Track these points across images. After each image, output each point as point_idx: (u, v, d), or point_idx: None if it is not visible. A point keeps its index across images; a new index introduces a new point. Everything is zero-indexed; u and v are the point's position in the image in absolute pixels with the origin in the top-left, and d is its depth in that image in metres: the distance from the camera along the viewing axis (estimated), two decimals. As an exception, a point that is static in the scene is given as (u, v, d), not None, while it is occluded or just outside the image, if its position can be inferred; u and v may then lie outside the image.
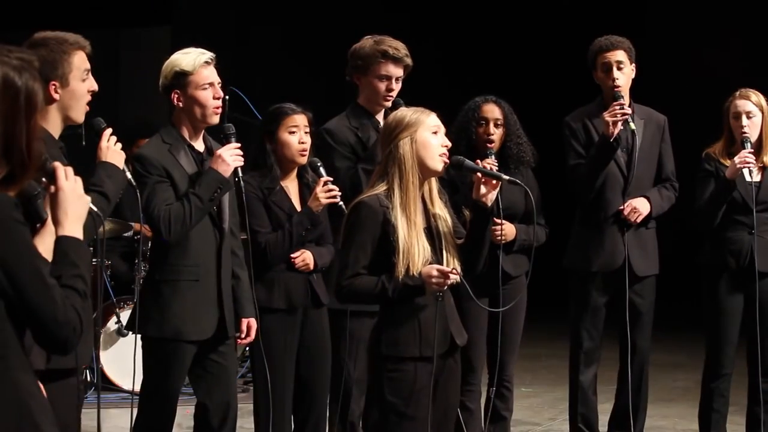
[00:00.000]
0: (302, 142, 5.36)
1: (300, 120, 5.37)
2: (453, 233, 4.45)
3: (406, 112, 4.42)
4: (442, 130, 4.43)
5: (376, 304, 4.45)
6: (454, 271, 4.28)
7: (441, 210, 4.44)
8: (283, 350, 5.34)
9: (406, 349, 4.32)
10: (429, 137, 4.36)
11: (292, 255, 5.35)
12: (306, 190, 5.42)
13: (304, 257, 5.37)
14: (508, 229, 5.88)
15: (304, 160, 5.39)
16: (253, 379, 5.45)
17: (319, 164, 5.40)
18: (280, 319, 5.34)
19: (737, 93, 6.11)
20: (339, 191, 5.28)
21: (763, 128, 6.08)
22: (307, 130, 5.38)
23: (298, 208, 5.39)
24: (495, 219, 5.70)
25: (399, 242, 4.26)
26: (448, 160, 4.41)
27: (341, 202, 5.24)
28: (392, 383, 4.32)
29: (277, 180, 5.38)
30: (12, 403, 2.84)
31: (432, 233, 4.38)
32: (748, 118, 6.05)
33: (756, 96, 6.07)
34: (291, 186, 5.44)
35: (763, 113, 6.07)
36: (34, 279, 2.80)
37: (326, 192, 5.28)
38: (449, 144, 4.43)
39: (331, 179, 5.33)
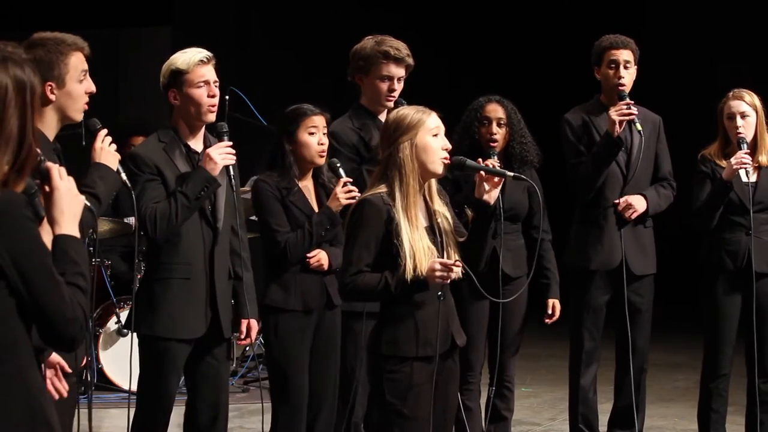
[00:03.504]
0: (321, 143, 5.36)
1: (319, 121, 5.37)
2: (454, 231, 4.44)
3: (407, 112, 4.38)
4: (443, 130, 4.41)
5: (378, 301, 4.44)
6: (457, 263, 4.27)
7: (441, 207, 4.43)
8: (299, 351, 5.34)
9: (406, 348, 4.31)
10: (429, 141, 4.34)
11: (307, 255, 5.35)
12: (321, 190, 5.43)
13: (319, 257, 5.36)
14: None
15: (322, 161, 5.39)
16: (270, 380, 5.43)
17: (338, 164, 5.40)
18: (295, 320, 5.34)
19: (730, 94, 6.10)
20: (358, 192, 5.25)
21: (757, 128, 6.08)
22: (325, 131, 5.39)
23: (315, 208, 5.39)
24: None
25: (404, 244, 4.25)
26: (449, 162, 4.40)
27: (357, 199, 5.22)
28: (392, 383, 4.31)
29: (294, 180, 5.38)
30: (25, 401, 2.86)
31: (434, 231, 4.38)
32: (743, 118, 6.04)
33: (749, 96, 6.07)
34: (307, 186, 5.44)
35: (757, 113, 6.07)
36: (45, 277, 2.82)
37: (346, 192, 5.27)
38: (449, 146, 4.41)
39: (351, 180, 5.32)
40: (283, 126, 5.41)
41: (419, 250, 4.26)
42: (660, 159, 6.23)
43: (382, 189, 4.33)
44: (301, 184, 5.41)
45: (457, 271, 4.29)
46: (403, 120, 4.35)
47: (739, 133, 6.03)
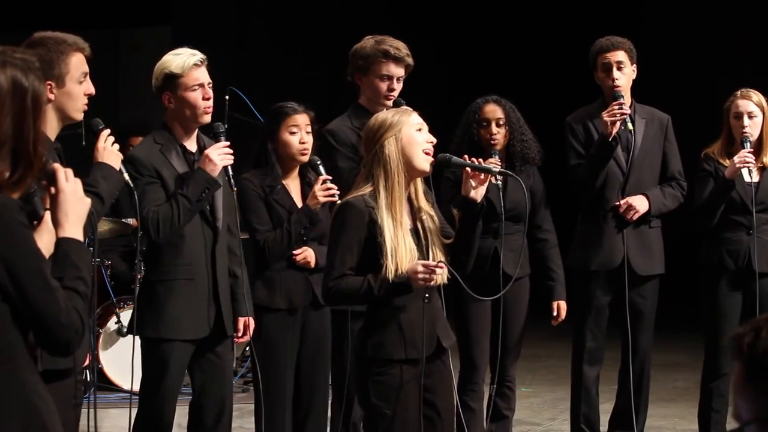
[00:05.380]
0: (303, 142, 5.37)
1: (301, 119, 5.38)
2: (440, 232, 4.42)
3: (387, 114, 4.39)
4: (426, 127, 4.40)
5: (362, 304, 4.42)
6: (440, 264, 4.24)
7: (427, 209, 4.41)
8: (283, 350, 5.35)
9: (392, 351, 4.29)
10: (414, 134, 4.33)
11: (293, 252, 5.35)
12: (307, 188, 5.43)
13: (306, 254, 5.37)
14: None
15: (305, 159, 5.40)
16: (253, 379, 5.45)
17: (318, 162, 5.40)
18: (280, 319, 5.35)
19: (738, 93, 6.10)
20: (338, 190, 5.27)
21: (763, 128, 6.07)
22: (309, 129, 5.39)
23: (300, 206, 5.39)
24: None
25: (386, 243, 4.23)
26: (432, 157, 4.38)
27: (339, 201, 5.23)
28: (378, 386, 4.29)
29: (278, 178, 5.39)
30: (21, 404, 2.85)
31: (418, 233, 4.35)
32: (750, 118, 6.04)
33: (757, 96, 6.07)
34: (292, 185, 5.45)
35: (763, 113, 6.06)
36: (39, 283, 2.81)
37: (325, 190, 5.28)
38: (434, 140, 4.40)
39: (330, 178, 5.33)
40: (266, 125, 5.43)
41: (401, 250, 4.24)
42: (668, 158, 6.21)
43: (367, 190, 4.32)
44: (286, 183, 5.42)
45: (442, 273, 4.25)
46: (385, 120, 4.35)
47: (745, 132, 6.02)
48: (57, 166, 3.00)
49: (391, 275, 4.21)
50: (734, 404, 2.25)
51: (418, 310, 4.32)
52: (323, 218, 5.38)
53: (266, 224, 5.35)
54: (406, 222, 4.32)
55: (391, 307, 4.30)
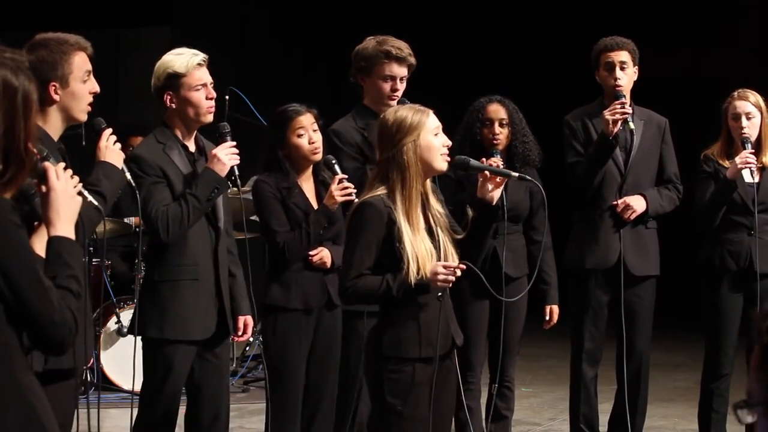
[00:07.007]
0: (312, 142, 5.35)
1: (306, 120, 5.36)
2: (450, 229, 4.43)
3: (405, 113, 4.35)
4: (441, 128, 4.41)
5: (380, 303, 4.42)
6: (461, 266, 4.25)
7: (436, 206, 4.42)
8: (297, 350, 5.34)
9: (408, 349, 4.30)
10: (432, 140, 4.32)
11: (309, 252, 5.35)
12: (321, 188, 5.42)
13: (322, 255, 5.36)
14: None
15: (318, 158, 5.39)
16: (266, 379, 5.43)
17: (333, 161, 5.38)
18: (296, 320, 5.34)
19: (735, 94, 6.10)
20: (355, 189, 5.25)
21: (762, 129, 6.07)
22: (315, 127, 5.37)
23: (315, 206, 5.38)
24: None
25: (406, 247, 4.23)
26: (448, 158, 4.39)
27: (357, 200, 5.21)
28: (393, 384, 4.30)
29: (295, 181, 5.37)
30: (18, 404, 2.85)
31: (431, 231, 4.36)
32: (748, 119, 6.04)
33: (754, 96, 6.06)
34: (306, 185, 5.44)
35: (761, 113, 6.06)
36: (32, 282, 2.81)
37: (342, 190, 5.27)
38: (449, 143, 4.42)
39: (346, 177, 5.31)
40: (272, 132, 5.41)
41: (421, 252, 4.25)
42: (664, 161, 6.21)
43: (382, 191, 4.31)
44: (300, 183, 5.41)
45: (458, 273, 4.26)
46: (403, 121, 4.32)
47: (744, 133, 6.02)
48: (47, 164, 3.00)
49: (413, 278, 4.22)
50: (748, 382, 2.25)
51: (434, 309, 4.32)
52: (340, 218, 5.36)
53: (285, 225, 5.33)
54: (422, 223, 4.33)
55: (407, 306, 4.30)
